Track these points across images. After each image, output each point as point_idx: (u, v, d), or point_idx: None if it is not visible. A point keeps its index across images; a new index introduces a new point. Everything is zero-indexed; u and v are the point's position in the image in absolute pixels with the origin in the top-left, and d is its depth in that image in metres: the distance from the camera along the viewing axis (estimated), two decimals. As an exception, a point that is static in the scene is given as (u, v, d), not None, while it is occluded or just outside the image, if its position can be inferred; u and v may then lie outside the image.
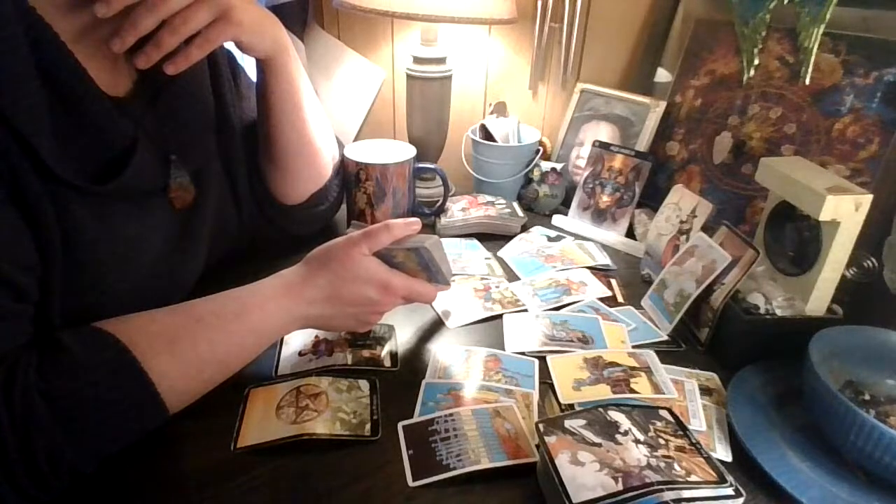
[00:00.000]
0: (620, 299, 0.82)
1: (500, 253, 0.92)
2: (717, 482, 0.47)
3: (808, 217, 0.68)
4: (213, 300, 0.56)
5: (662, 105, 1.00)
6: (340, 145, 0.90)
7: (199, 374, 0.52)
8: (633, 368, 0.66)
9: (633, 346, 0.71)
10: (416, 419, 0.58)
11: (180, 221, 0.64)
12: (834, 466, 0.54)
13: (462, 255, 0.90)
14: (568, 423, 0.52)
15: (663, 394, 0.62)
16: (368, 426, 0.57)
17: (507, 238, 0.97)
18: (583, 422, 0.52)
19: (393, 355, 0.68)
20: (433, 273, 0.63)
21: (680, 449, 0.51)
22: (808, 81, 0.83)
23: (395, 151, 0.93)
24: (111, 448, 0.48)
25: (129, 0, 0.49)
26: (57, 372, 0.44)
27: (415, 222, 0.64)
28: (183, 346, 0.51)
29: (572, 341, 0.71)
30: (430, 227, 0.97)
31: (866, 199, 0.63)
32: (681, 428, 0.54)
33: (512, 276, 0.87)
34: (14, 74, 0.45)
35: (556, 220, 1.03)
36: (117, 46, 0.51)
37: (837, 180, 0.66)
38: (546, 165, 1.07)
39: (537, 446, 0.53)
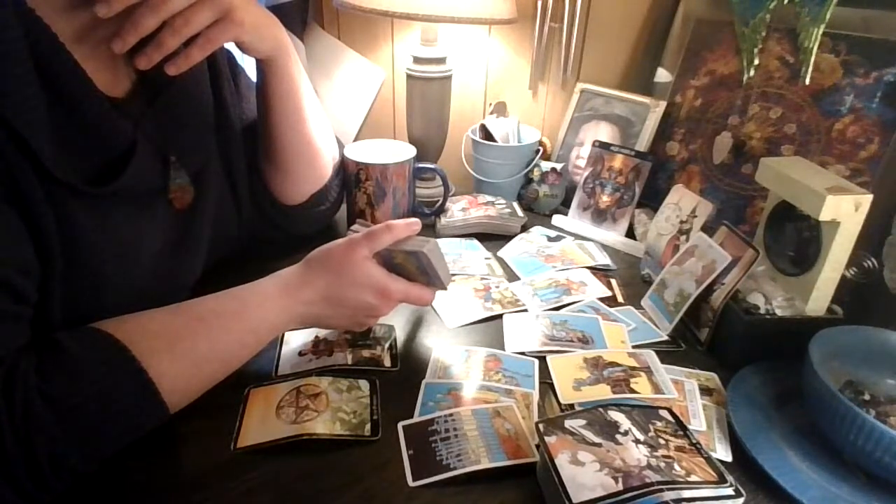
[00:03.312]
0: (620, 299, 0.82)
1: (500, 253, 0.92)
2: (717, 482, 0.47)
3: (808, 217, 0.68)
4: (212, 299, 0.56)
5: (662, 105, 1.00)
6: (340, 145, 0.90)
7: (199, 372, 0.52)
8: (633, 368, 0.66)
9: (633, 346, 0.71)
10: (416, 419, 0.58)
11: (180, 222, 0.64)
12: (834, 466, 0.54)
13: (462, 255, 0.90)
14: (568, 423, 0.52)
15: (663, 394, 0.62)
16: (368, 426, 0.57)
17: (507, 238, 0.97)
18: (583, 422, 0.52)
19: (393, 355, 0.68)
20: (431, 276, 0.63)
21: (680, 449, 0.51)
22: (808, 81, 0.83)
23: (395, 151, 0.93)
24: (112, 447, 0.48)
25: (130, 0, 0.49)
26: (56, 372, 0.44)
27: (415, 222, 0.64)
28: (183, 344, 0.51)
29: (572, 341, 0.71)
30: (430, 227, 0.97)
31: (866, 199, 0.63)
32: (681, 428, 0.54)
33: (512, 276, 0.87)
34: (13, 76, 0.45)
35: (556, 220, 1.03)
36: (118, 47, 0.51)
37: (837, 180, 0.66)
38: (546, 165, 1.07)
39: (537, 446, 0.53)
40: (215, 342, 0.53)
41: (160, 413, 0.49)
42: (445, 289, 0.66)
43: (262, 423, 0.57)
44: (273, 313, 0.57)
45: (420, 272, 0.63)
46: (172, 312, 0.53)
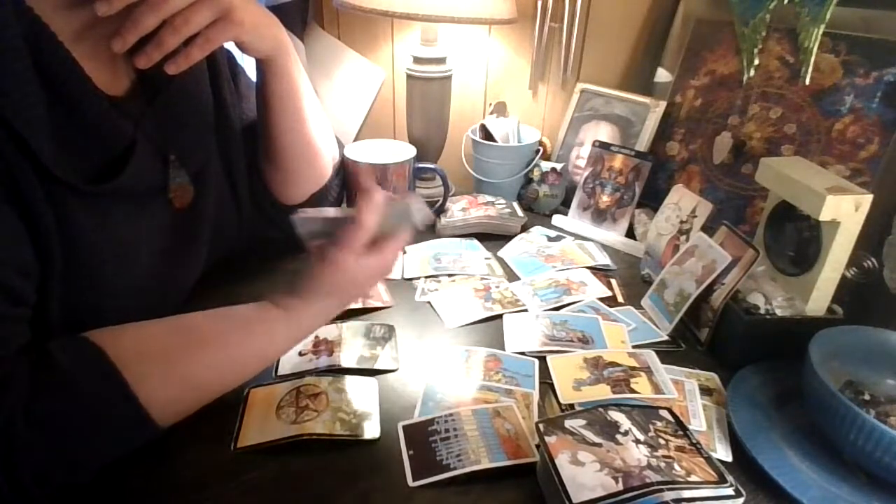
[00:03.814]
0: (620, 299, 0.82)
1: (500, 253, 0.92)
2: (717, 482, 0.47)
3: (808, 217, 0.68)
4: (214, 318, 0.53)
5: (662, 105, 1.00)
6: (340, 145, 0.90)
7: (192, 394, 0.51)
8: (633, 368, 0.66)
9: (633, 346, 0.71)
10: (416, 419, 0.58)
11: (180, 222, 0.64)
12: (834, 466, 0.54)
13: (462, 255, 0.90)
14: (568, 423, 0.52)
15: (663, 394, 0.62)
16: (369, 426, 0.57)
17: (507, 238, 0.97)
18: (583, 422, 0.52)
19: (393, 355, 0.68)
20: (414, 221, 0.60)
21: (680, 449, 0.51)
22: (808, 81, 0.83)
23: (395, 151, 0.93)
24: (102, 463, 0.47)
25: None
26: (46, 391, 0.43)
27: (375, 191, 0.57)
28: (179, 368, 0.49)
29: (572, 341, 0.71)
30: (430, 227, 0.97)
31: (866, 199, 0.63)
32: (681, 428, 0.54)
33: (512, 276, 0.87)
34: (12, 75, 0.45)
35: (556, 220, 1.03)
36: (118, 46, 0.51)
37: (837, 180, 0.66)
38: (546, 165, 1.07)
39: (537, 446, 0.53)
40: (214, 367, 0.51)
41: (150, 432, 0.48)
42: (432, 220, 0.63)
43: (262, 423, 0.57)
44: (279, 338, 0.55)
45: (405, 226, 0.60)
46: (171, 331, 0.51)
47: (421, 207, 0.60)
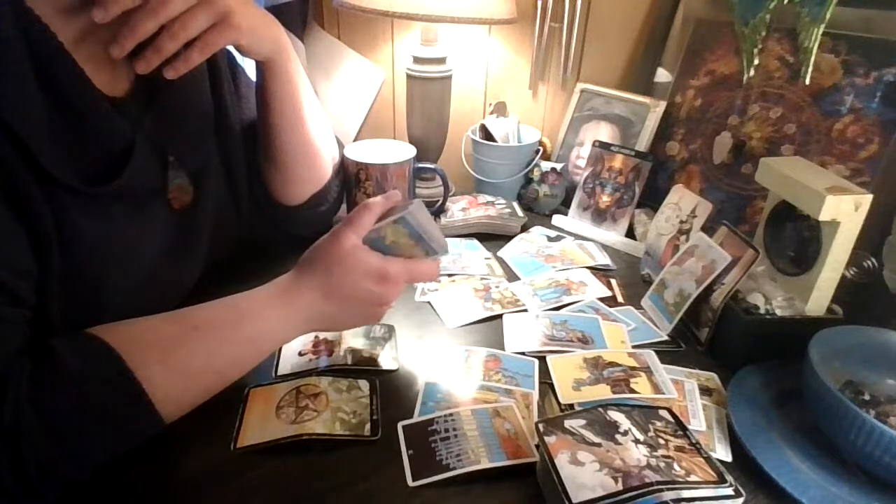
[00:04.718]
0: (620, 299, 0.82)
1: (500, 253, 0.92)
2: (716, 482, 0.47)
3: (808, 217, 0.68)
4: (209, 308, 0.54)
5: (662, 105, 1.00)
6: (340, 145, 0.90)
7: (195, 383, 0.51)
8: (633, 368, 0.66)
9: (633, 346, 0.71)
10: (416, 419, 0.58)
11: (179, 222, 0.64)
12: (834, 466, 0.54)
13: (462, 255, 0.90)
14: (568, 423, 0.52)
15: (663, 394, 0.62)
16: (368, 426, 0.57)
17: (507, 238, 0.97)
18: (583, 422, 0.52)
19: (393, 355, 0.68)
20: (426, 242, 0.59)
21: (680, 449, 0.51)
22: (808, 81, 0.83)
23: (395, 151, 0.93)
24: (105, 457, 0.47)
25: (126, 5, 0.49)
26: (49, 382, 0.44)
27: (393, 194, 0.61)
28: (178, 355, 0.50)
29: (572, 341, 0.71)
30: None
31: (866, 199, 0.63)
32: (681, 428, 0.54)
33: (512, 276, 0.87)
34: (12, 77, 0.45)
35: (556, 220, 1.03)
36: (116, 52, 0.51)
37: (837, 180, 0.66)
38: (546, 165, 1.07)
39: (537, 446, 0.53)
40: (212, 353, 0.52)
41: (154, 424, 0.48)
42: (446, 252, 0.62)
43: (262, 423, 0.57)
44: (273, 321, 0.55)
45: (414, 241, 0.59)
46: (169, 321, 0.52)
47: (437, 229, 0.59)
